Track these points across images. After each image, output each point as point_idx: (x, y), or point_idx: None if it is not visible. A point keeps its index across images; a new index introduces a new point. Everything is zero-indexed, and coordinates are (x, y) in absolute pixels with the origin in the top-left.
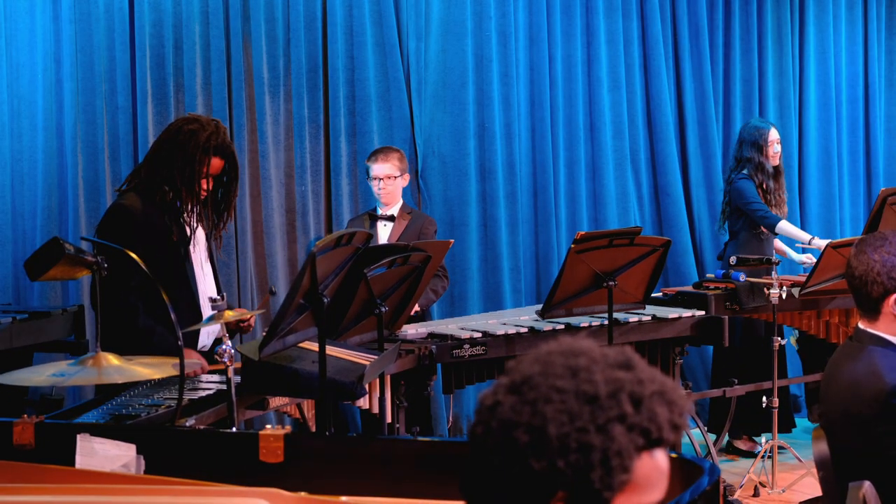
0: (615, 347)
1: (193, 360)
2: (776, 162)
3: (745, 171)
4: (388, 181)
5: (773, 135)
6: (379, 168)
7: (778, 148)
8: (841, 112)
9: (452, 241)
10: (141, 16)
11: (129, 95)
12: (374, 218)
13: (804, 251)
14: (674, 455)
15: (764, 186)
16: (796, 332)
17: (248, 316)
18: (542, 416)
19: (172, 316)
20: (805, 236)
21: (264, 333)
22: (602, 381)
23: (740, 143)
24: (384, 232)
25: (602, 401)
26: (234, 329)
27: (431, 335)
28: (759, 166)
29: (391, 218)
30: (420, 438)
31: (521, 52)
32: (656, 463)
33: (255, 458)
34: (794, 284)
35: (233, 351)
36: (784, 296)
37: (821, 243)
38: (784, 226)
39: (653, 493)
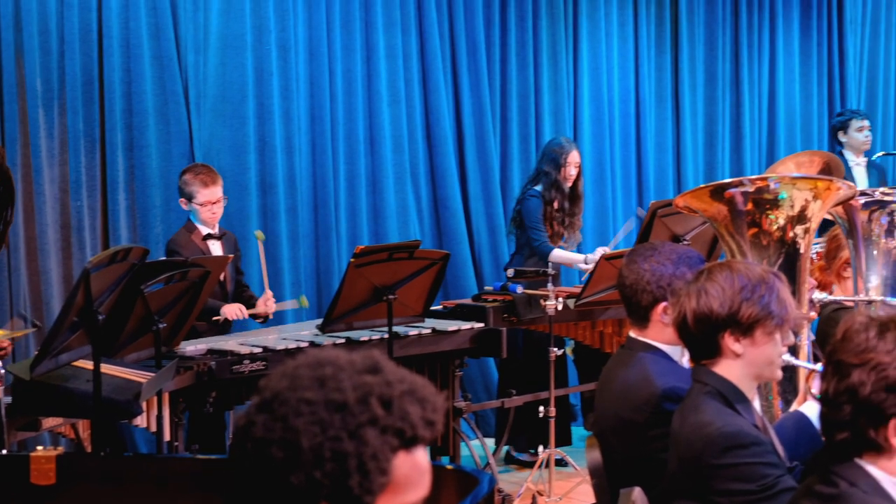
0: (362, 352)
1: None
2: (570, 183)
3: (538, 187)
4: (221, 203)
5: (574, 157)
6: (214, 192)
7: (574, 171)
8: (613, 127)
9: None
10: None
11: None
12: (204, 237)
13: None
14: (450, 467)
15: (557, 205)
16: (572, 342)
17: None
18: (294, 431)
19: None
20: (579, 258)
21: (36, 352)
22: (350, 387)
23: (542, 156)
24: (216, 249)
25: (352, 407)
26: None
27: (210, 351)
28: (555, 184)
29: (219, 236)
30: (198, 456)
31: (301, 67)
32: (415, 461)
33: (27, 481)
34: (569, 296)
35: (2, 371)
36: (560, 307)
37: (595, 257)
38: (556, 254)
39: (415, 492)
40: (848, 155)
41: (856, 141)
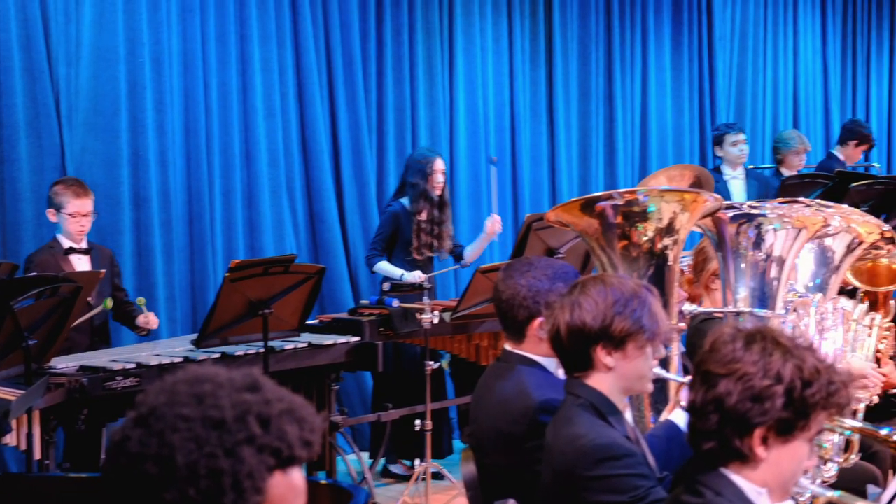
0: (242, 370)
1: None
2: (439, 191)
3: (401, 200)
4: (90, 218)
5: (439, 164)
6: (85, 204)
7: (441, 178)
8: (489, 140)
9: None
10: None
11: None
12: (66, 251)
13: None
14: (324, 482)
15: (426, 216)
16: (448, 355)
17: None
18: (169, 446)
19: None
20: (397, 272)
21: None
22: (228, 405)
23: (407, 168)
24: (82, 265)
25: (229, 424)
26: None
27: (83, 367)
28: (424, 194)
29: (86, 251)
30: (69, 475)
31: (176, 79)
32: (290, 481)
33: None
34: (445, 309)
35: None
36: (436, 321)
37: (409, 278)
38: (379, 266)
39: None
40: (725, 169)
41: (731, 155)
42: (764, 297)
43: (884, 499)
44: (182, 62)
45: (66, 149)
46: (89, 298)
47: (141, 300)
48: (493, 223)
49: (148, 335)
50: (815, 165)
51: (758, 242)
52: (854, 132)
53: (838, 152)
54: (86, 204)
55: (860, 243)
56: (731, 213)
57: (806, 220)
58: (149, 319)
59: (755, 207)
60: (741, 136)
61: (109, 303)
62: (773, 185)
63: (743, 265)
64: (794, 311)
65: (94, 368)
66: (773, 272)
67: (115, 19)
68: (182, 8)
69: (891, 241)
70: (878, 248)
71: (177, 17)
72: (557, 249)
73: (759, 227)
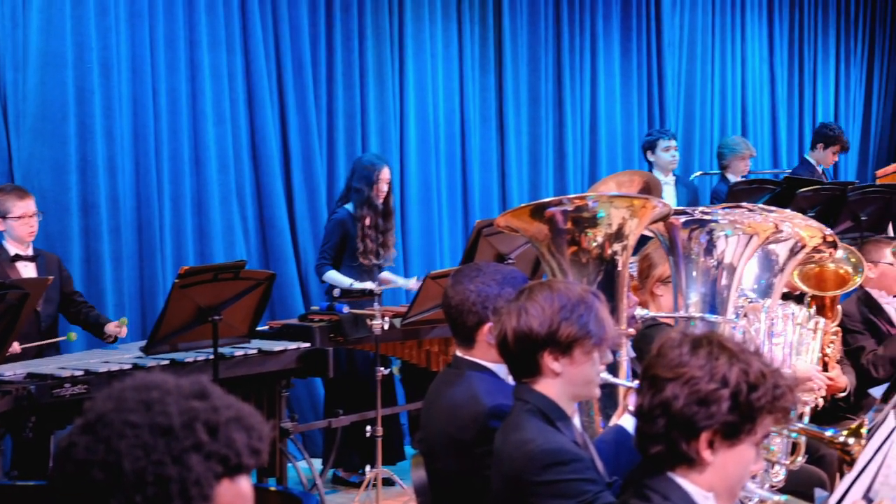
0: (190, 377)
1: None
2: (382, 199)
3: (346, 207)
4: (37, 218)
5: (385, 173)
6: (29, 204)
7: (386, 187)
8: (439, 147)
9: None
10: None
11: None
12: (13, 258)
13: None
14: (274, 489)
15: (369, 222)
16: (399, 361)
17: None
18: (116, 453)
19: None
20: (346, 281)
21: None
22: (176, 412)
23: (353, 173)
24: (28, 272)
25: (177, 431)
26: None
27: (30, 375)
28: (368, 201)
29: (32, 258)
30: (16, 483)
31: (125, 85)
32: (238, 489)
33: None
34: (395, 315)
35: None
36: (386, 326)
37: (359, 286)
38: (329, 275)
39: None
40: (656, 174)
41: (662, 160)
42: (715, 302)
43: (831, 502)
44: (131, 67)
45: (13, 155)
46: (37, 308)
47: (124, 320)
48: (412, 283)
49: (115, 342)
50: (790, 170)
51: (709, 248)
52: (820, 135)
53: (810, 157)
54: (30, 205)
55: (803, 247)
56: (683, 219)
57: (757, 226)
58: (121, 330)
59: (707, 213)
60: (672, 143)
61: (73, 336)
62: (720, 191)
63: (694, 272)
64: (745, 316)
65: (42, 376)
66: (724, 278)
67: (63, 24)
68: (131, 13)
69: (833, 244)
70: (820, 251)
71: (125, 23)
72: (507, 255)
73: (710, 232)
